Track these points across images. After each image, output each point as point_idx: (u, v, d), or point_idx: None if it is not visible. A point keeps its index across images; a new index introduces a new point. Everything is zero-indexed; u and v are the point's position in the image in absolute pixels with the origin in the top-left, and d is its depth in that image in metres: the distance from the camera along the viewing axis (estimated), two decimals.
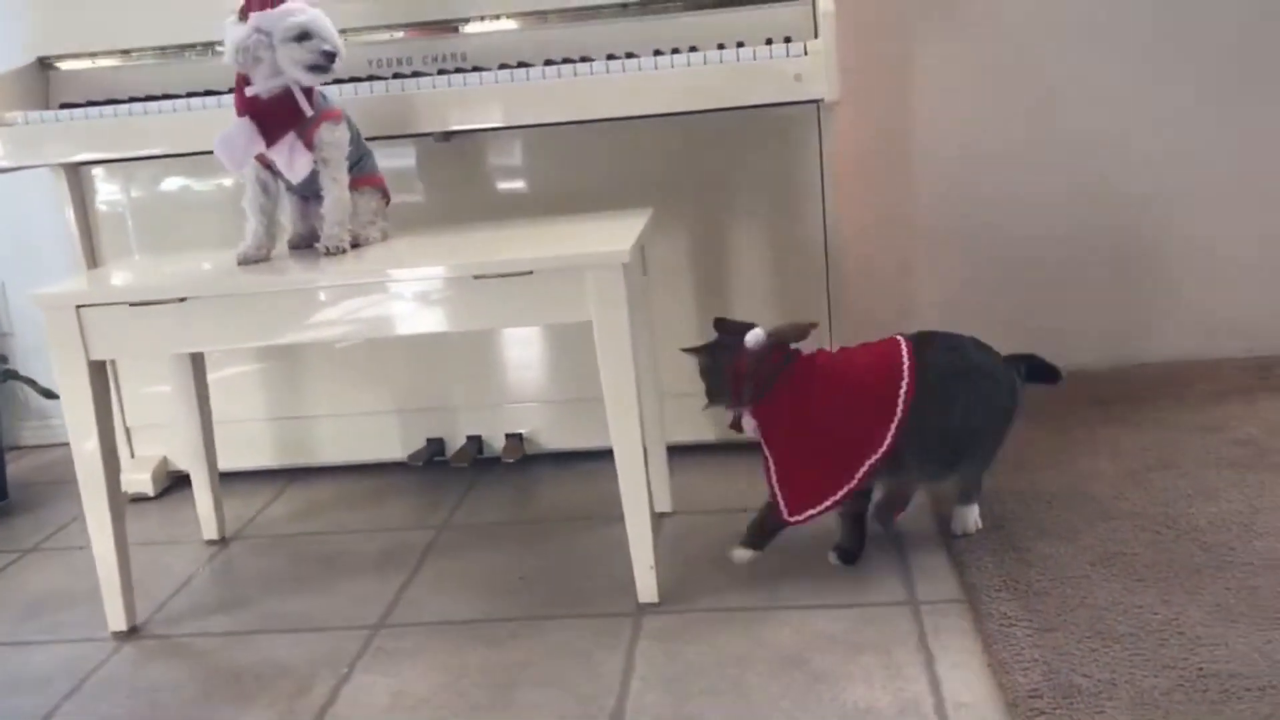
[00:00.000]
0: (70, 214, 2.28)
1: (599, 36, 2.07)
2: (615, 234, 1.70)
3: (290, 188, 1.81)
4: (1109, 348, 2.57)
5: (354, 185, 1.83)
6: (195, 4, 2.13)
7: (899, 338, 1.74)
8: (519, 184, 2.23)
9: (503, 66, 2.01)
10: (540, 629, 1.69)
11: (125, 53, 2.19)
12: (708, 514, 2.03)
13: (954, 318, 2.57)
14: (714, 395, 1.75)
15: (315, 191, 1.80)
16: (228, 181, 2.28)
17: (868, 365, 1.72)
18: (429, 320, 1.67)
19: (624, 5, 2.08)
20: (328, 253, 1.77)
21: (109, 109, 2.07)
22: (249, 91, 1.71)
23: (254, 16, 1.70)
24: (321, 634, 1.73)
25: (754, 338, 1.70)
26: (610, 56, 1.98)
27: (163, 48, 2.19)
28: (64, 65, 2.22)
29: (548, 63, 1.99)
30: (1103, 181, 2.50)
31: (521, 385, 2.32)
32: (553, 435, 2.33)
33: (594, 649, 1.61)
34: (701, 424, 2.27)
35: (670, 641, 1.61)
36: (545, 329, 2.28)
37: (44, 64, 2.21)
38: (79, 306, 1.67)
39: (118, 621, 1.78)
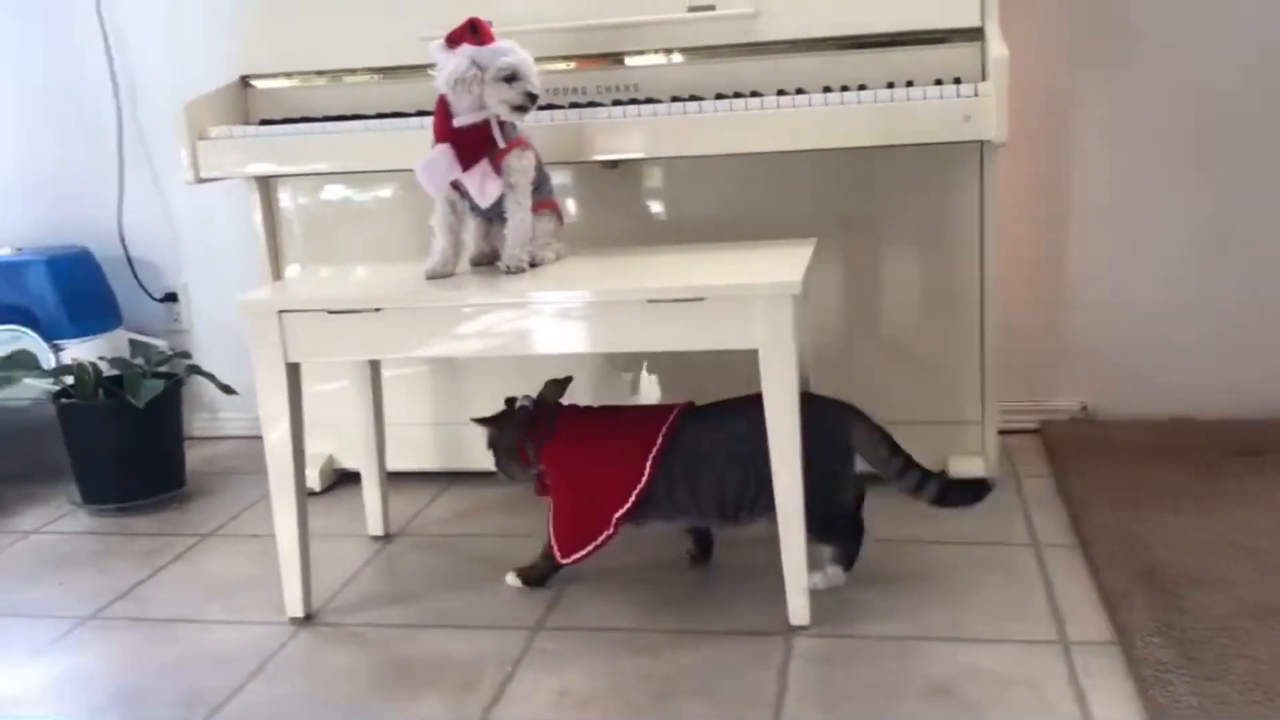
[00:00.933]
0: (259, 223, 2.43)
1: (769, 72, 2.14)
2: (784, 264, 1.76)
3: (475, 209, 1.91)
4: (1255, 395, 2.53)
5: (533, 209, 1.92)
6: (383, 33, 2.27)
7: (676, 406, 1.89)
8: (683, 211, 2.31)
9: (674, 99, 2.09)
10: (694, 642, 1.75)
11: (320, 74, 2.34)
12: None
13: (1102, 360, 2.58)
14: (503, 464, 1.97)
15: (499, 213, 1.90)
16: (385, 194, 2.42)
17: (630, 424, 1.90)
18: (602, 339, 1.76)
19: (793, 43, 2.14)
20: (508, 271, 1.87)
21: (304, 126, 2.21)
22: (455, 123, 1.82)
23: (468, 49, 1.81)
24: (484, 632, 1.82)
25: (522, 404, 1.95)
26: (780, 92, 2.05)
27: (353, 70, 2.32)
28: (262, 84, 2.37)
29: (718, 96, 2.07)
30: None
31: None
32: None
33: (748, 666, 1.66)
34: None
35: (822, 665, 1.66)
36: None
37: (245, 83, 2.37)
38: (281, 311, 1.80)
39: (295, 608, 1.90)
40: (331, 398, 2.42)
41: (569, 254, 2.00)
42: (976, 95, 1.91)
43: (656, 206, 2.33)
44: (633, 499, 1.85)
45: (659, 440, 1.85)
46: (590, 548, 1.88)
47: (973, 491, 1.89)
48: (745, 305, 1.67)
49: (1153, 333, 2.56)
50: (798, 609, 1.76)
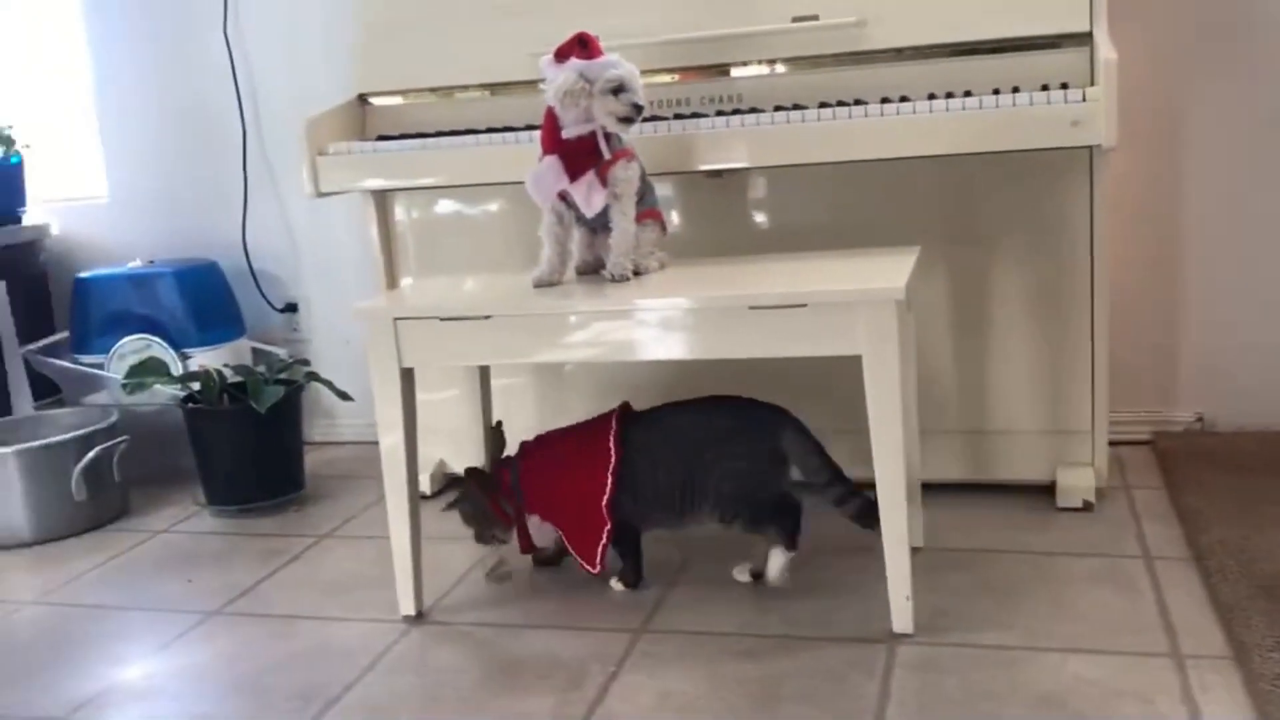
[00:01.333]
0: (375, 236, 2.52)
1: (872, 81, 2.14)
2: (887, 270, 1.77)
3: (581, 219, 1.96)
4: None
5: (637, 218, 1.96)
6: (493, 51, 2.33)
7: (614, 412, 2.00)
8: (784, 219, 2.32)
9: (778, 108, 2.11)
10: (796, 648, 1.76)
11: (433, 91, 2.41)
12: (958, 551, 2.06)
13: (1219, 370, 2.51)
14: (485, 534, 2.05)
15: (604, 223, 1.94)
16: (493, 208, 2.48)
17: (581, 431, 2.01)
18: (704, 346, 1.78)
19: (898, 50, 2.14)
20: (613, 279, 1.91)
21: (417, 141, 2.29)
22: (563, 135, 1.87)
23: (577, 63, 1.86)
24: (589, 633, 1.86)
25: (477, 470, 2.04)
26: (884, 100, 2.05)
27: (465, 86, 2.39)
28: (378, 101, 2.46)
29: (822, 105, 2.08)
30: None
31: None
32: None
33: (849, 672, 1.67)
34: (951, 463, 2.31)
35: (926, 672, 1.65)
36: (802, 361, 2.35)
37: (363, 100, 2.46)
38: (396, 319, 1.86)
39: (408, 606, 1.96)
40: (443, 405, 2.49)
41: (672, 263, 2.03)
42: (1084, 100, 1.88)
43: (759, 215, 2.34)
44: (609, 479, 1.93)
45: (612, 425, 1.96)
46: (603, 545, 1.96)
47: None
48: (848, 311, 1.68)
49: (1272, 341, 2.49)
50: (901, 616, 1.76)
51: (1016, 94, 1.94)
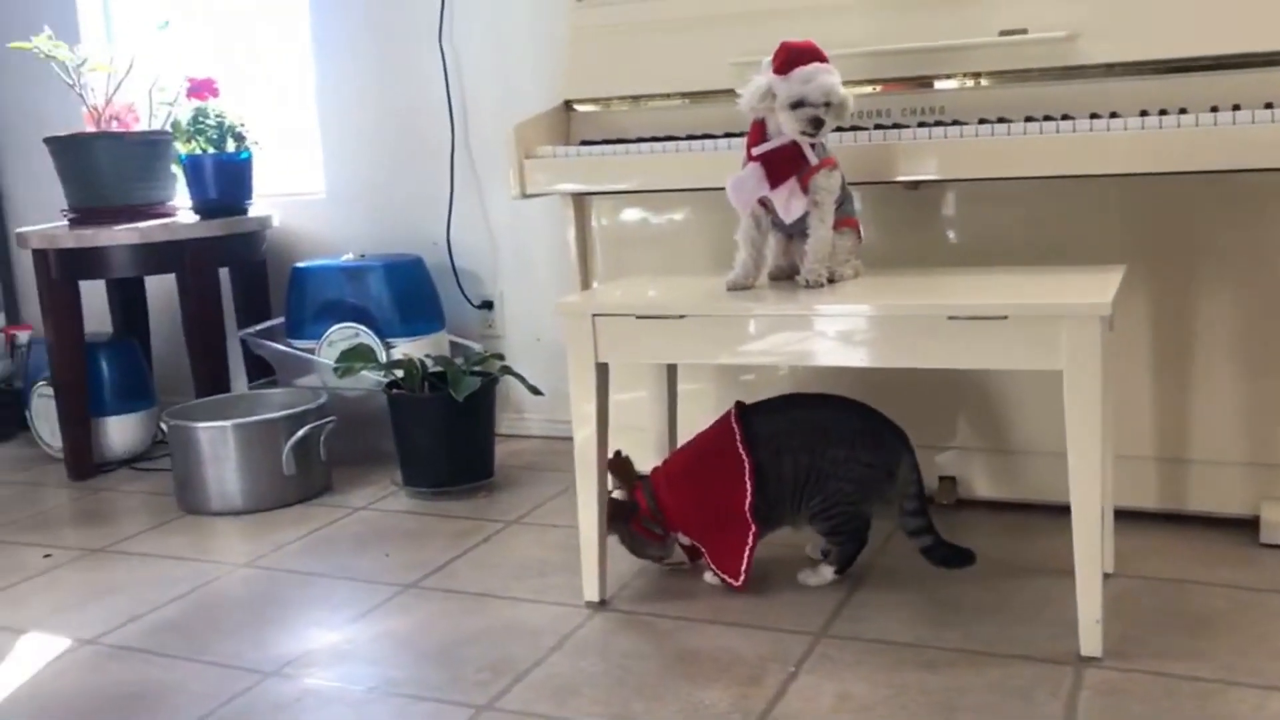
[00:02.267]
0: (572, 237, 2.61)
1: (1081, 96, 2.10)
2: (1092, 286, 1.74)
3: (777, 224, 1.99)
4: None
5: (835, 226, 1.98)
6: (696, 59, 2.39)
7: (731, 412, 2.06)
8: (983, 234, 2.30)
9: (982, 121, 2.10)
10: (977, 662, 1.74)
11: (635, 98, 2.49)
12: (1151, 580, 2.00)
13: None
14: (640, 550, 2.12)
15: (800, 229, 1.97)
16: (679, 216, 2.54)
17: (705, 441, 2.07)
18: (898, 355, 1.79)
19: (1109, 66, 2.09)
20: (808, 285, 1.94)
21: (620, 146, 2.37)
22: (756, 151, 1.92)
23: (768, 77, 1.91)
24: (768, 633, 1.88)
25: (613, 501, 2.07)
26: (1093, 115, 2.01)
27: (667, 94, 2.46)
28: (583, 108, 2.55)
29: (1028, 119, 2.06)
30: None
31: (957, 430, 2.38)
32: (985, 483, 2.37)
33: (1033, 691, 1.65)
34: (1147, 490, 2.24)
35: (1114, 697, 1.61)
36: (983, 374, 2.33)
37: (568, 106, 2.56)
38: (594, 315, 1.94)
39: (592, 592, 2.03)
40: (630, 405, 2.56)
41: (867, 272, 2.05)
42: None
43: (956, 229, 2.33)
44: (749, 484, 1.98)
45: (735, 429, 2.01)
46: (747, 555, 2.01)
47: (959, 557, 2.00)
48: (1051, 325, 1.66)
49: None
50: (1089, 639, 1.72)
51: (1237, 111, 1.88)
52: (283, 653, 1.92)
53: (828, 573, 2.04)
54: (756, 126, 1.94)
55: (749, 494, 1.99)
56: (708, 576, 2.08)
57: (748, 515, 2.00)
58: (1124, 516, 2.13)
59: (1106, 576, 1.99)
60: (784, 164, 1.91)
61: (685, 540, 2.12)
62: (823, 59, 1.92)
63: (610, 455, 2.08)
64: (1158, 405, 2.22)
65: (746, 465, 2.00)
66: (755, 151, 1.94)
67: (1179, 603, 1.90)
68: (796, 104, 1.88)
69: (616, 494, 2.10)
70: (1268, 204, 2.08)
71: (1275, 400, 2.14)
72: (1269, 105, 1.91)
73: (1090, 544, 1.69)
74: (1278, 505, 2.13)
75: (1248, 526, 2.15)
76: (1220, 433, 2.18)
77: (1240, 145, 1.86)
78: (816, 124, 1.88)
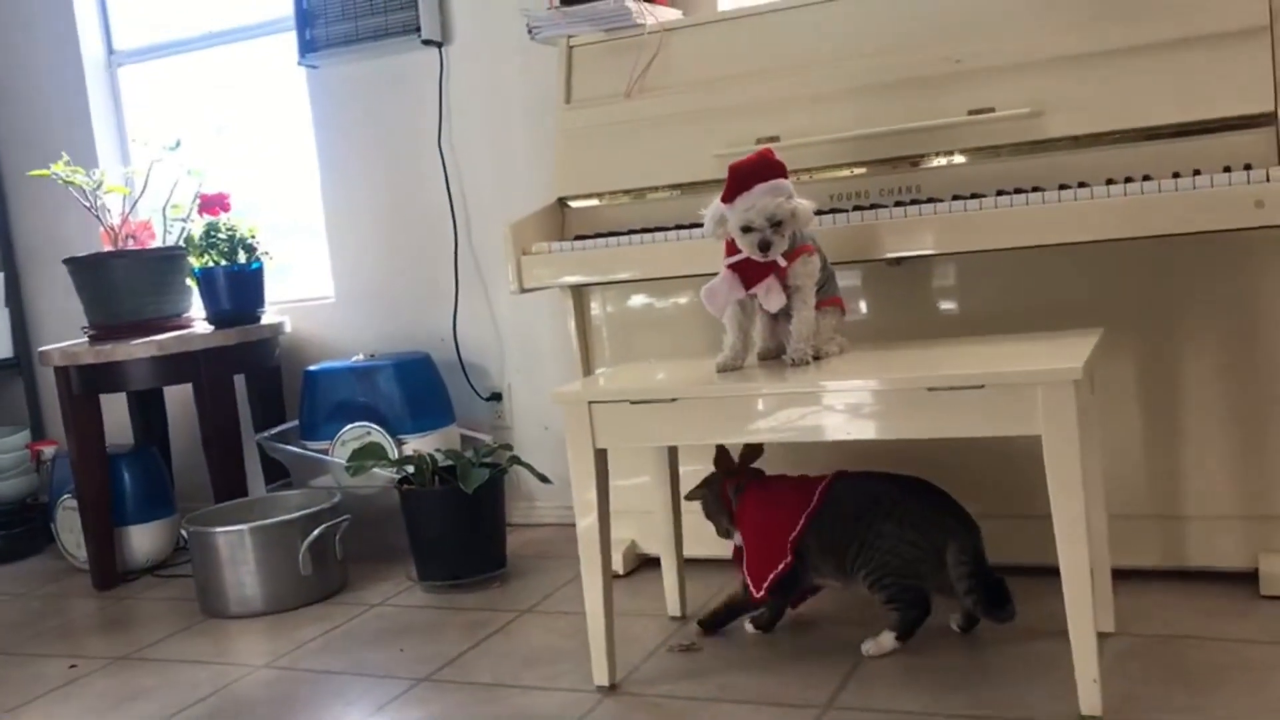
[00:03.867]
0: (572, 327, 2.69)
1: (1050, 168, 2.18)
2: (1066, 351, 1.80)
3: (762, 307, 2.07)
4: None
5: (818, 305, 2.05)
6: (682, 153, 2.50)
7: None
8: (965, 305, 2.37)
9: (956, 197, 2.18)
10: None
11: (626, 193, 2.59)
12: (1150, 638, 2.02)
13: None
14: (711, 513, 2.29)
15: (785, 311, 2.04)
16: (682, 300, 2.62)
17: (794, 484, 2.18)
18: (884, 427, 1.84)
19: (1075, 139, 2.18)
20: (794, 364, 2.00)
21: (612, 240, 2.46)
22: (727, 262, 2.03)
23: (717, 207, 2.02)
24: (775, 709, 1.91)
25: (724, 453, 2.27)
26: (1062, 186, 2.09)
27: (655, 187, 2.56)
28: (576, 204, 2.65)
29: (999, 193, 2.14)
30: None
31: (958, 496, 2.40)
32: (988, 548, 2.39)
33: None
34: (1144, 549, 2.26)
35: None
36: (982, 442, 2.37)
37: (562, 203, 2.66)
38: (590, 402, 2.00)
39: (601, 677, 2.06)
40: (634, 490, 2.61)
41: (852, 348, 2.11)
42: (1268, 180, 1.88)
43: (940, 301, 2.40)
44: (803, 520, 2.11)
45: (826, 478, 2.16)
46: (773, 576, 2.13)
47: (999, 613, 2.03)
48: (1025, 391, 1.72)
49: None
50: (1088, 698, 1.74)
51: (1197, 176, 1.95)
52: None
53: (888, 641, 2.06)
54: (730, 239, 2.03)
55: (798, 528, 2.12)
56: (748, 627, 2.24)
57: (789, 545, 2.12)
58: (1123, 576, 2.15)
59: (1106, 636, 2.02)
60: (755, 269, 2.00)
61: (738, 540, 2.23)
62: (771, 173, 2.00)
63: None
64: (1150, 463, 2.26)
65: (811, 504, 2.13)
66: (726, 262, 2.03)
67: (1180, 659, 1.92)
68: (745, 229, 1.98)
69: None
70: (1241, 258, 2.15)
71: (1267, 452, 2.17)
72: (1227, 169, 1.98)
73: (1081, 603, 1.73)
74: (1276, 557, 2.15)
75: (1247, 580, 2.17)
76: (1214, 487, 2.22)
77: (1204, 209, 1.93)
78: (764, 246, 1.97)
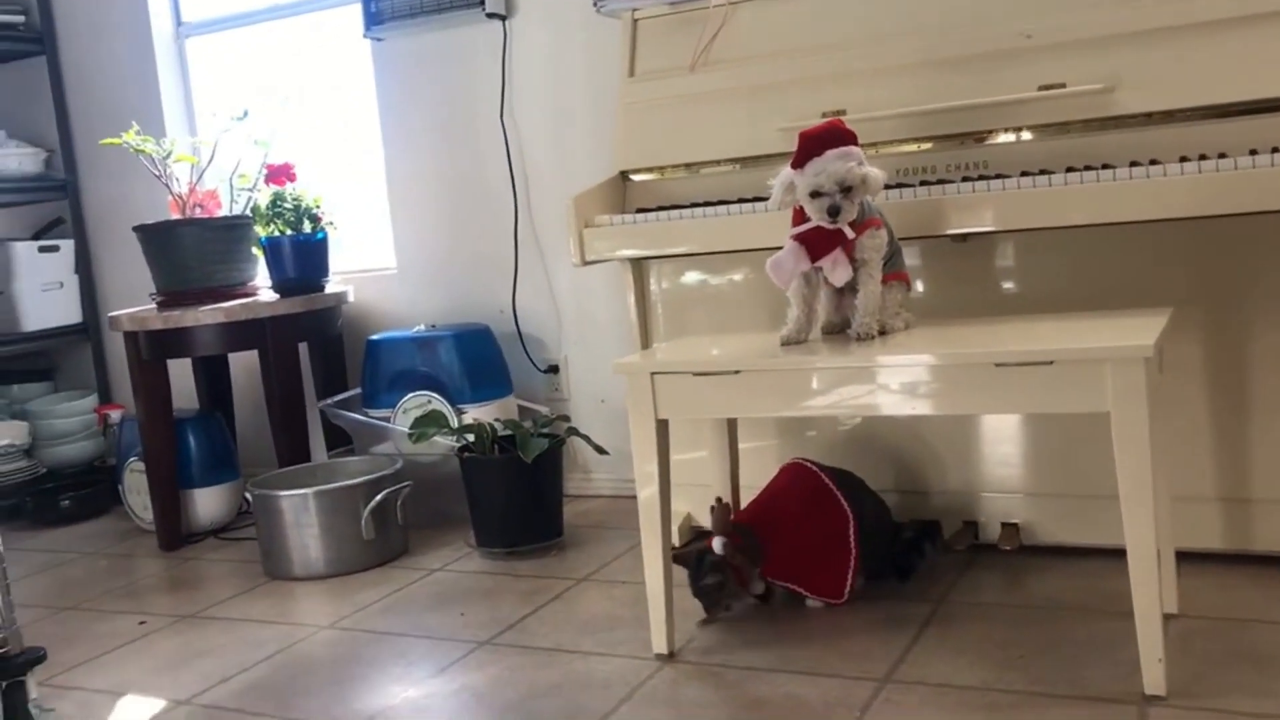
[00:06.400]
0: (631, 300, 2.70)
1: (1122, 145, 2.15)
2: (1136, 329, 1.78)
3: (827, 281, 2.06)
4: None
5: (884, 280, 2.04)
6: (745, 126, 2.49)
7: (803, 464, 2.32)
8: (1030, 283, 2.35)
9: (1024, 174, 2.16)
10: (1041, 705, 1.76)
11: (688, 166, 2.59)
12: (1216, 620, 2.00)
13: None
14: (720, 604, 2.21)
15: (850, 285, 2.04)
16: (738, 277, 2.62)
17: (803, 494, 2.28)
18: (949, 403, 1.84)
19: (1148, 115, 2.14)
20: (858, 339, 2.00)
21: (674, 212, 2.46)
22: (793, 232, 2.02)
23: (786, 174, 2.01)
24: (833, 680, 1.92)
25: (719, 544, 2.15)
26: (1133, 163, 2.06)
27: (717, 161, 2.55)
28: (638, 177, 2.66)
29: (1069, 169, 2.11)
30: None
31: (1018, 476, 2.40)
32: (1047, 528, 2.38)
33: None
34: (1210, 532, 2.24)
35: None
36: (1045, 422, 2.36)
37: (624, 177, 2.66)
38: (653, 374, 2.02)
39: (660, 645, 2.08)
40: (693, 464, 2.62)
41: (917, 324, 2.10)
42: None
43: (1005, 279, 2.38)
44: (852, 521, 2.23)
45: (828, 485, 2.28)
46: (850, 574, 2.21)
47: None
48: (1095, 368, 1.70)
49: None
50: (1152, 678, 1.74)
51: (1276, 154, 1.92)
52: (365, 708, 2.00)
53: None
54: (798, 208, 2.03)
55: (852, 526, 2.22)
56: (809, 602, 2.25)
57: (851, 542, 2.21)
58: (1188, 558, 2.13)
59: (1171, 617, 2.00)
60: (823, 239, 1.99)
61: (759, 589, 2.22)
62: (842, 141, 1.99)
63: (714, 503, 2.22)
64: (1217, 446, 2.23)
65: (849, 510, 2.24)
66: (792, 233, 2.02)
67: (1244, 642, 1.91)
68: (814, 194, 1.97)
69: (718, 544, 2.16)
70: None
71: None
72: None
73: (1147, 580, 1.72)
74: None
75: None
76: None
77: (1275, 186, 1.90)
78: (834, 211, 1.96)
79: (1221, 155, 1.99)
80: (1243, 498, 2.22)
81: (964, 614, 2.14)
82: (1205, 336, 2.22)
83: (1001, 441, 2.43)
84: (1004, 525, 2.41)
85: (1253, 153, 1.97)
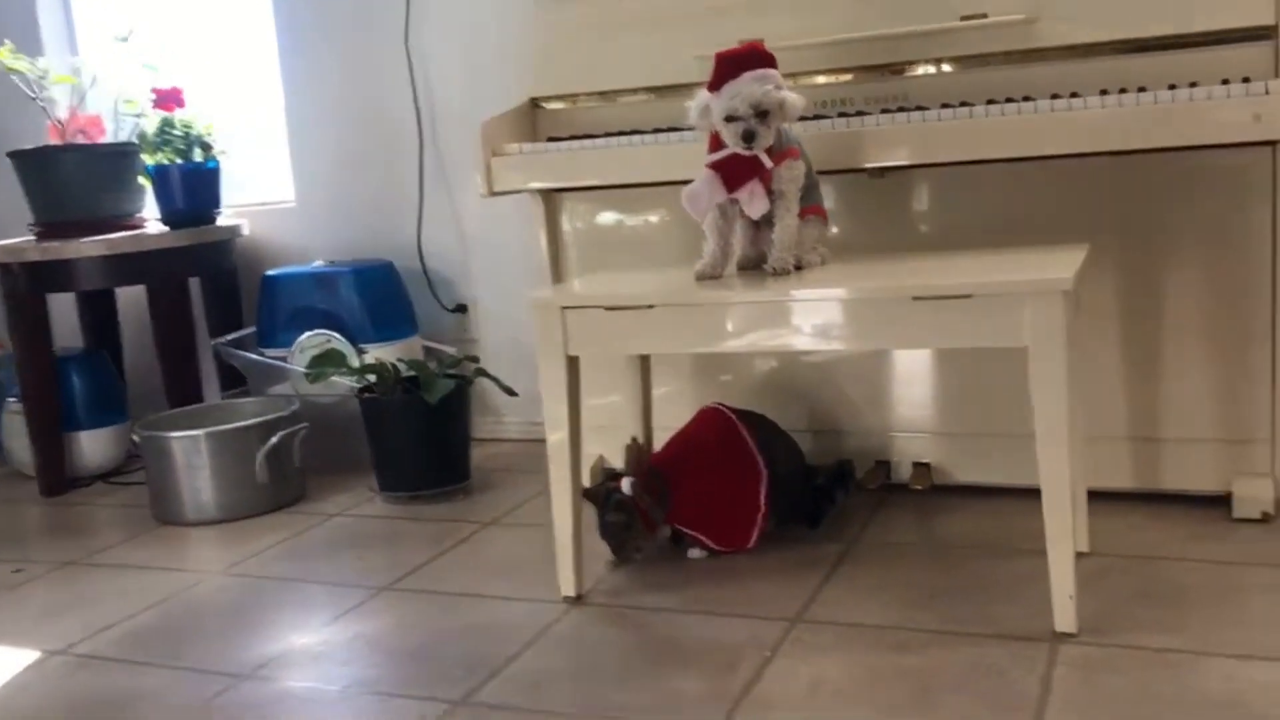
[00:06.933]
0: (543, 237, 2.61)
1: (1042, 78, 2.11)
2: (1055, 264, 1.74)
3: (743, 214, 1.99)
4: None
5: (800, 214, 1.98)
6: (660, 53, 2.40)
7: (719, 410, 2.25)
8: (948, 219, 2.31)
9: (945, 106, 2.11)
10: (952, 643, 1.74)
11: (601, 95, 2.49)
12: (1125, 557, 2.00)
13: None
14: (628, 548, 2.13)
15: (767, 219, 1.97)
16: (654, 216, 2.54)
17: (713, 440, 2.20)
18: (867, 338, 1.80)
19: (1070, 48, 2.11)
20: (775, 273, 1.94)
21: (586, 141, 2.37)
22: (708, 160, 1.94)
23: (703, 97, 1.92)
24: (743, 620, 1.88)
25: (627, 484, 2.10)
26: (1055, 96, 2.02)
27: (632, 89, 2.46)
28: (550, 105, 2.55)
29: (990, 102, 2.07)
30: None
31: (929, 416, 2.38)
32: (958, 468, 2.37)
33: (1009, 668, 1.64)
34: (1120, 471, 2.24)
35: (1090, 672, 1.61)
36: (955, 363, 2.34)
37: (535, 104, 2.56)
38: (564, 308, 1.93)
39: (568, 587, 2.02)
40: (604, 408, 2.55)
41: (834, 259, 2.05)
42: (1267, 93, 1.83)
43: (922, 215, 2.34)
44: (764, 469, 2.15)
45: (742, 430, 2.20)
46: (760, 522, 2.16)
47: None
48: (1014, 303, 1.67)
49: None
50: (1063, 615, 1.72)
51: (1194, 88, 1.89)
52: (258, 656, 1.90)
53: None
54: (714, 135, 1.95)
55: (764, 480, 2.15)
56: (692, 553, 2.16)
57: (761, 498, 2.15)
58: (1098, 497, 2.13)
59: (1081, 556, 2.00)
60: (739, 168, 1.91)
61: (666, 534, 2.17)
62: (760, 64, 1.91)
63: (629, 442, 2.16)
64: (1128, 386, 2.23)
65: (761, 462, 2.16)
66: (708, 160, 1.94)
67: (1153, 579, 1.91)
68: (729, 118, 1.89)
69: (627, 484, 2.09)
70: (1227, 179, 2.10)
71: (1244, 377, 2.15)
72: (1225, 82, 1.92)
73: (1061, 517, 1.70)
74: (1249, 481, 2.13)
75: (1220, 503, 2.16)
76: (1191, 411, 2.19)
77: (1200, 122, 1.88)
78: (749, 137, 1.89)
79: (1141, 89, 1.96)
80: (1152, 437, 2.22)
81: (875, 554, 2.12)
82: (1119, 275, 2.20)
83: (913, 382, 2.40)
84: (916, 465, 2.39)
85: (1171, 87, 1.94)
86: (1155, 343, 2.21)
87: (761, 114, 1.88)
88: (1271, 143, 1.97)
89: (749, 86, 1.88)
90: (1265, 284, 2.10)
